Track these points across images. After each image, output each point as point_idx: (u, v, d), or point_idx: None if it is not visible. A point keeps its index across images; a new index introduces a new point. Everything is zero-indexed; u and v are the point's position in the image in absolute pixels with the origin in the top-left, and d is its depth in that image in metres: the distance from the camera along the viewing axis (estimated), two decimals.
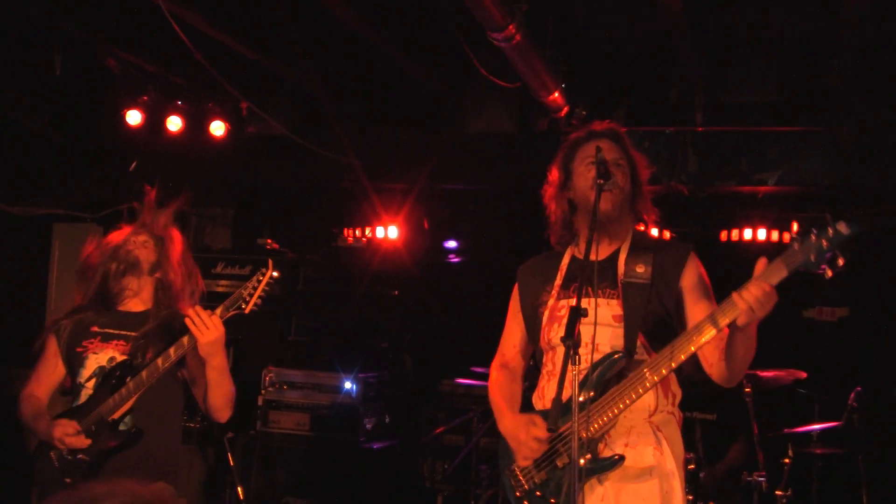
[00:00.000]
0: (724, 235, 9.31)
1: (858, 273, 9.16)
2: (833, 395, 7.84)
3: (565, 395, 3.64)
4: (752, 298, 3.52)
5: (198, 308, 4.50)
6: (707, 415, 7.75)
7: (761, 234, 9.11)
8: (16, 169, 9.96)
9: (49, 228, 10.63)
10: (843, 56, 7.55)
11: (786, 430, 7.42)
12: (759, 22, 7.33)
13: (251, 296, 4.52)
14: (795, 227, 9.06)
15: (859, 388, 7.62)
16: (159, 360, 4.57)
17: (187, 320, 4.47)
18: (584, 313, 3.61)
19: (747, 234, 9.16)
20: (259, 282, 4.54)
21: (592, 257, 3.92)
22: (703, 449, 7.16)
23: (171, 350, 4.57)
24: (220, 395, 4.69)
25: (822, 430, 7.46)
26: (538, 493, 4.00)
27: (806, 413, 7.83)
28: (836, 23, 6.88)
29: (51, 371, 4.89)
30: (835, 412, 7.71)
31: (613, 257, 4.16)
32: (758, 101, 8.12)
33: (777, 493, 7.07)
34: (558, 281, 4.26)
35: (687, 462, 6.86)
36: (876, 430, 8.03)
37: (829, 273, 3.49)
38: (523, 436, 4.02)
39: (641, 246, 4.16)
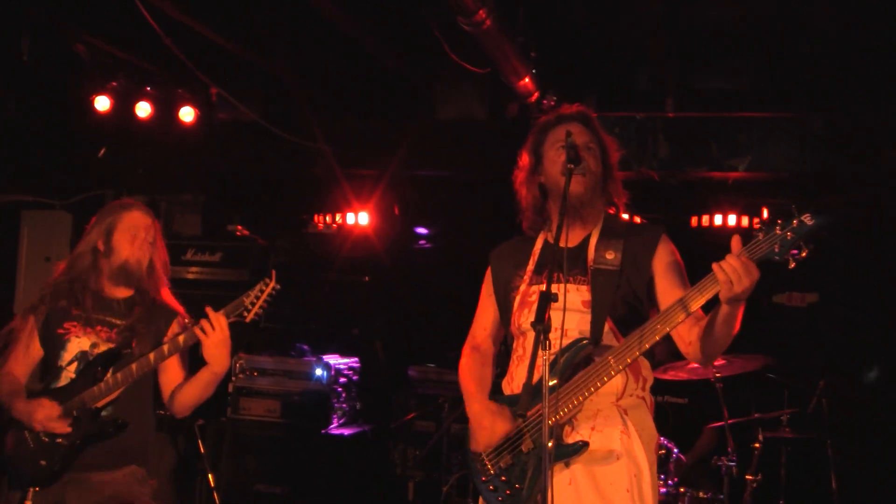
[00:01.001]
0: (694, 221, 9.32)
1: (829, 259, 9.22)
2: (802, 381, 7.87)
3: (535, 377, 3.64)
4: (730, 269, 3.50)
5: (207, 309, 4.50)
6: (678, 399, 7.78)
7: (731, 219, 9.12)
8: None
9: (18, 215, 10.57)
10: (814, 42, 7.57)
11: (756, 415, 7.45)
12: (731, 7, 7.34)
13: (253, 305, 4.51)
14: (766, 213, 9.10)
15: (828, 374, 7.68)
16: (152, 356, 4.57)
17: (196, 328, 4.47)
18: (555, 298, 3.61)
19: (717, 219, 9.17)
20: (262, 292, 4.53)
21: (563, 243, 3.89)
22: (674, 434, 7.18)
23: (166, 347, 4.57)
24: (198, 396, 4.72)
25: (792, 415, 7.49)
26: (503, 477, 4.01)
27: (776, 398, 7.86)
28: (808, 8, 6.89)
29: (28, 351, 4.84)
30: (804, 397, 7.75)
31: (584, 243, 4.17)
32: (729, 87, 8.14)
33: (747, 477, 7.10)
34: (530, 266, 4.27)
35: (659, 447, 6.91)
36: (844, 415, 8.07)
37: (793, 264, 3.50)
38: (487, 422, 4.07)
39: (612, 231, 4.17)
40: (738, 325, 3.71)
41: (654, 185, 8.53)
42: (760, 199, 9.07)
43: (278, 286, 4.54)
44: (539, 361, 3.53)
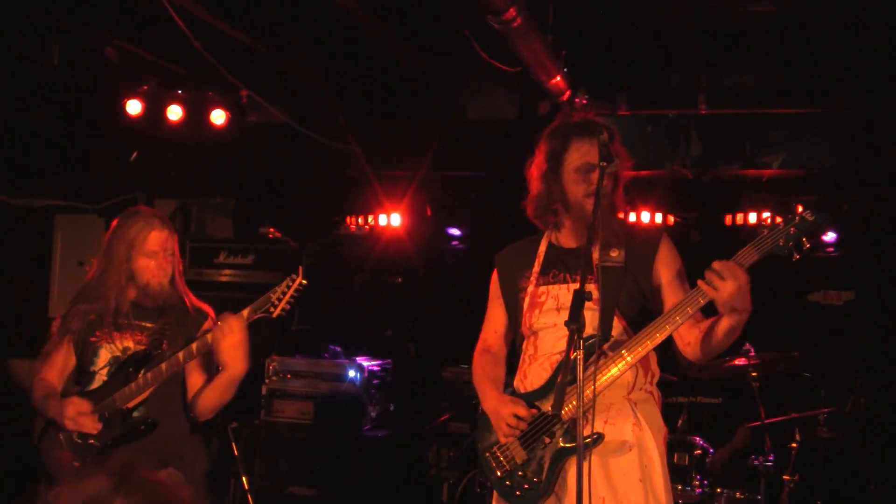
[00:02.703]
0: (728, 219, 9.26)
1: (864, 256, 9.15)
2: (839, 380, 7.80)
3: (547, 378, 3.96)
4: (709, 274, 3.75)
5: (226, 314, 4.53)
6: (712, 399, 7.74)
7: (766, 217, 9.05)
8: (16, 161, 9.95)
9: (51, 220, 10.63)
10: (845, 37, 7.51)
11: (793, 415, 7.40)
12: (760, 3, 7.28)
13: (280, 300, 4.54)
14: (800, 209, 9.02)
15: (865, 373, 7.61)
16: (181, 355, 4.59)
17: (214, 329, 4.50)
18: (589, 297, 3.74)
19: (752, 217, 9.10)
20: (289, 287, 4.56)
21: (571, 245, 4.19)
22: (709, 434, 7.14)
23: (194, 346, 4.59)
24: (218, 399, 4.75)
25: (829, 415, 7.43)
26: (520, 472, 4.15)
27: (812, 397, 7.79)
28: (837, 3, 6.83)
29: (62, 359, 4.87)
30: (841, 396, 7.69)
31: (589, 245, 4.22)
32: (760, 83, 8.08)
33: (784, 477, 7.06)
34: (536, 267, 4.40)
35: (693, 447, 6.90)
36: (882, 414, 8.00)
37: (797, 256, 3.80)
38: (504, 411, 4.17)
39: (615, 232, 4.28)
40: (735, 338, 3.95)
41: (686, 183, 8.49)
42: (794, 196, 8.99)
43: (305, 282, 4.56)
44: (572, 357, 3.66)
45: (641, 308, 4.19)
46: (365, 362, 8.74)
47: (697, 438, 7.14)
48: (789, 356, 7.18)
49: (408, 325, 9.93)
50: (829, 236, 8.91)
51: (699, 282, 3.78)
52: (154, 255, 4.80)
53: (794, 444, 7.20)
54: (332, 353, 8.98)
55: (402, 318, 9.88)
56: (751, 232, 9.06)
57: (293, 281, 4.56)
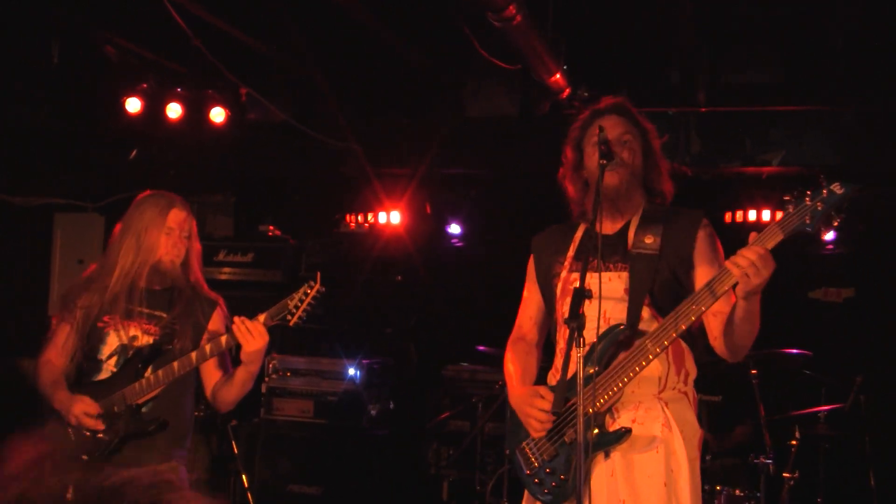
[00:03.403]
0: (728, 217, 9.26)
1: (864, 253, 9.15)
2: (839, 377, 7.79)
3: (570, 372, 3.64)
4: (745, 262, 3.51)
5: (243, 318, 4.49)
6: (712, 397, 7.73)
7: (766, 215, 9.05)
8: (15, 159, 9.94)
9: (50, 218, 10.62)
10: (846, 34, 7.50)
11: (792, 412, 7.39)
12: (762, 0, 7.29)
13: (297, 308, 4.51)
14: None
15: (865, 370, 7.60)
16: (194, 356, 4.58)
17: (234, 328, 4.47)
18: (588, 295, 3.62)
19: (752, 215, 9.10)
20: (307, 295, 4.53)
21: (608, 231, 3.98)
22: (708, 431, 7.13)
23: (208, 347, 4.58)
24: (238, 393, 4.73)
25: (829, 412, 7.42)
26: (548, 469, 3.99)
27: (813, 395, 7.79)
28: (839, 1, 6.83)
29: (67, 341, 4.83)
30: (841, 394, 7.68)
31: (624, 230, 4.15)
32: (761, 80, 8.06)
33: (784, 475, 7.04)
34: (571, 253, 4.25)
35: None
36: (883, 411, 7.99)
37: (825, 234, 3.57)
38: (528, 408, 4.03)
39: (652, 217, 4.14)
40: (758, 322, 3.71)
41: (687, 180, 8.47)
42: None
43: (323, 289, 4.54)
44: (574, 356, 3.54)
45: (676, 299, 3.87)
46: (365, 360, 8.73)
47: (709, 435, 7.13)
48: (789, 354, 7.17)
49: (408, 324, 9.94)
50: (829, 235, 8.89)
51: (729, 265, 3.57)
52: (171, 231, 4.81)
53: (795, 442, 7.18)
54: (332, 351, 8.98)
55: (402, 317, 9.88)
56: (751, 229, 9.10)
57: (311, 288, 4.53)
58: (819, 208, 3.50)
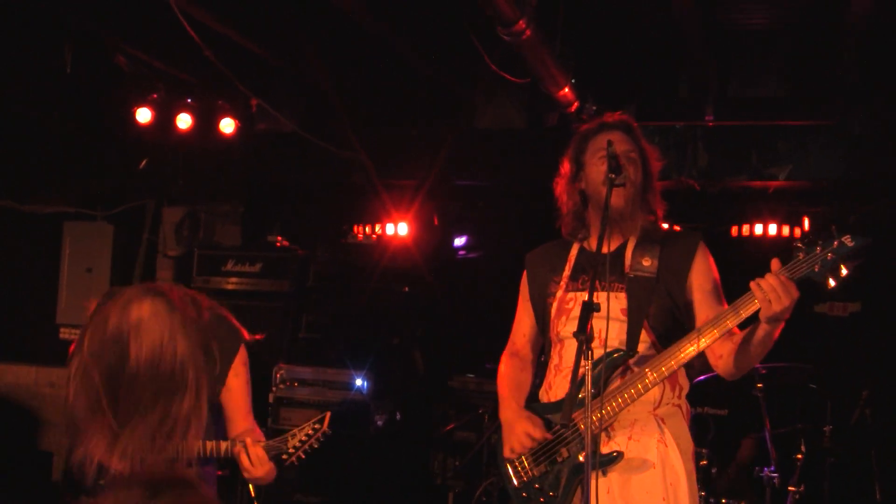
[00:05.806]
0: (735, 231, 9.28)
1: (871, 267, 9.15)
2: (845, 391, 7.80)
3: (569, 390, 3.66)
4: (767, 286, 3.52)
5: (248, 441, 4.14)
6: (719, 410, 7.74)
7: (772, 229, 9.07)
8: (26, 167, 9.99)
9: (59, 226, 10.65)
10: (852, 49, 7.52)
11: (798, 426, 7.40)
12: (767, 15, 7.31)
13: (297, 449, 4.15)
14: (807, 223, 9.02)
15: (871, 384, 7.61)
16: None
17: (238, 454, 4.14)
18: (597, 308, 3.60)
19: (758, 229, 9.12)
20: (308, 437, 4.16)
21: (605, 251, 3.90)
22: (714, 445, 7.14)
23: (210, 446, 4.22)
24: None
25: (835, 426, 7.43)
26: (536, 485, 4.02)
27: (818, 409, 7.79)
28: (845, 15, 6.84)
29: None
30: (847, 408, 7.68)
31: (621, 250, 4.15)
32: (768, 95, 8.08)
33: (790, 488, 7.05)
34: (566, 272, 4.25)
35: (699, 457, 6.85)
36: (889, 425, 7.99)
37: (832, 283, 3.58)
38: (518, 427, 4.04)
39: (650, 238, 4.15)
40: (771, 347, 3.73)
41: (694, 194, 8.49)
42: (801, 207, 9.01)
43: (329, 431, 4.18)
44: (581, 371, 3.54)
45: (673, 322, 3.99)
46: (372, 371, 8.74)
47: (703, 449, 7.13)
48: (795, 367, 7.18)
49: (415, 334, 9.95)
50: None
51: (753, 285, 3.56)
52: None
53: (800, 456, 7.19)
54: (339, 361, 8.99)
55: (409, 327, 9.89)
56: (758, 243, 9.14)
57: (315, 431, 4.18)
58: (829, 258, 3.54)
